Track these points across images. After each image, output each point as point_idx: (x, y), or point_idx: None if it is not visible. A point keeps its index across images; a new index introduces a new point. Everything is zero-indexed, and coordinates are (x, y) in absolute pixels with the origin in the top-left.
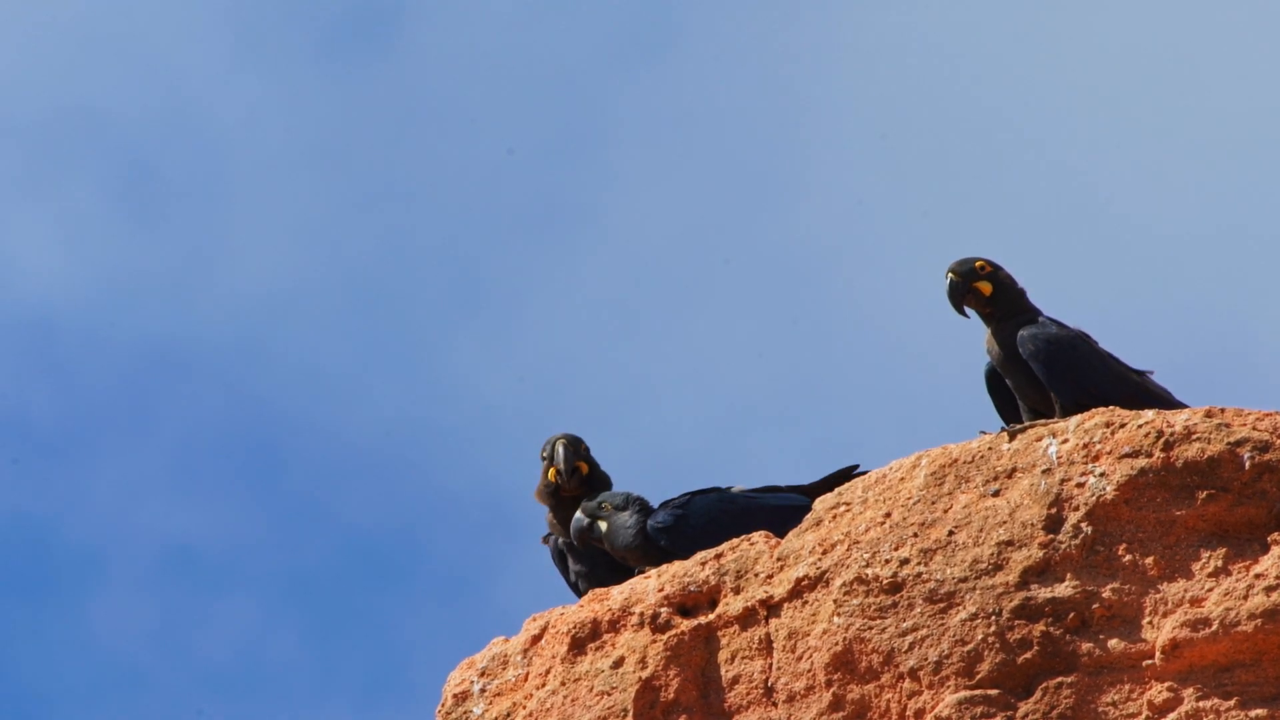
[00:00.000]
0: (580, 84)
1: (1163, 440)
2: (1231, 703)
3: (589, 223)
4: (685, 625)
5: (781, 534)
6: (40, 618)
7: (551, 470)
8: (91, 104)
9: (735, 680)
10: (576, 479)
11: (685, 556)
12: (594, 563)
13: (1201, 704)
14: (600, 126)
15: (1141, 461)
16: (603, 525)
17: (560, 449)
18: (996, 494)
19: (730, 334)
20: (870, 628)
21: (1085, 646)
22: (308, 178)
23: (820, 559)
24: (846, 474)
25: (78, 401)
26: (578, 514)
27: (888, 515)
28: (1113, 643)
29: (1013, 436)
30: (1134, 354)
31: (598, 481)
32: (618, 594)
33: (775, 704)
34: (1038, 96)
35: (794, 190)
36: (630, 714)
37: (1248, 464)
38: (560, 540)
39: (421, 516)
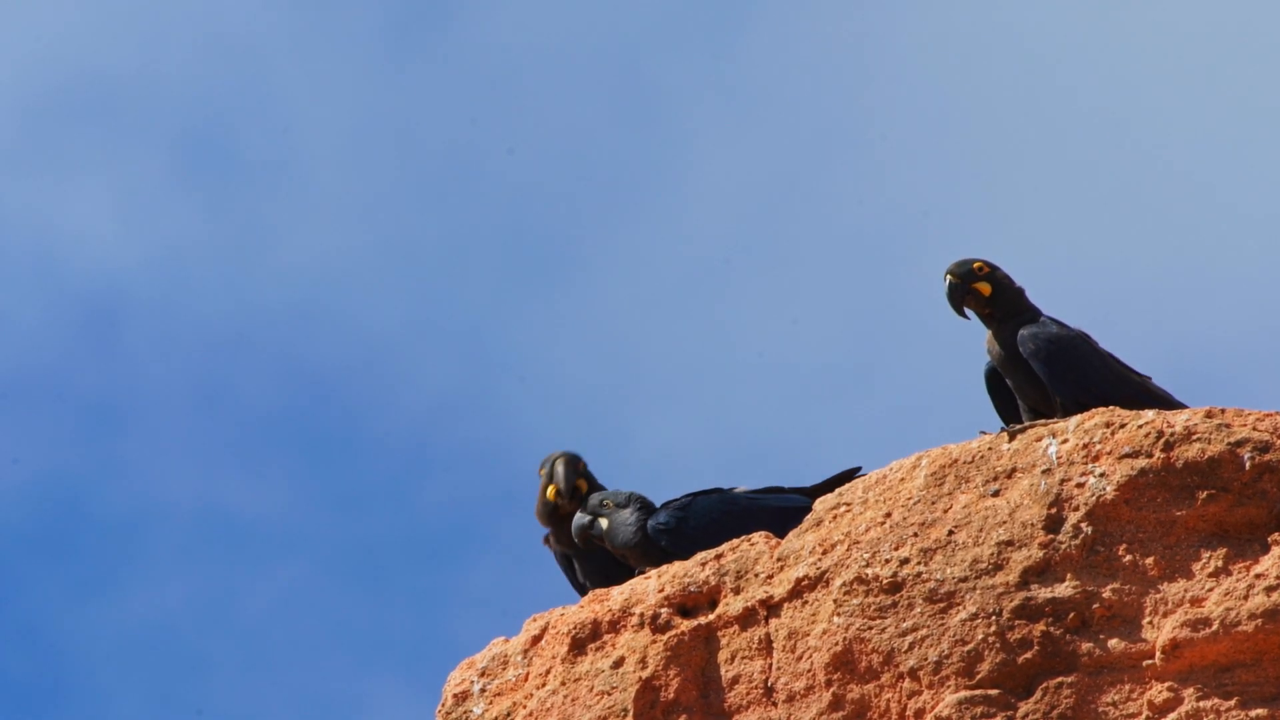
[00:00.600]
0: (642, 58)
1: (1163, 440)
2: (1232, 703)
3: (652, 197)
4: (685, 625)
5: (783, 535)
6: (83, 586)
7: (551, 488)
8: (150, 76)
9: (735, 680)
10: (575, 497)
11: (686, 557)
12: (599, 566)
13: (1202, 704)
14: (663, 101)
15: (1142, 462)
16: (603, 523)
17: (560, 467)
18: (996, 494)
19: (784, 315)
20: (870, 628)
21: (1085, 646)
22: (370, 151)
23: (820, 559)
24: (849, 476)
25: (133, 372)
26: (579, 512)
27: (888, 515)
28: (1113, 643)
29: (1013, 436)
30: (1135, 355)
31: None
32: (618, 594)
33: (775, 704)
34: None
35: (845, 179)
36: (630, 714)
37: (1248, 464)
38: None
39: (482, 490)
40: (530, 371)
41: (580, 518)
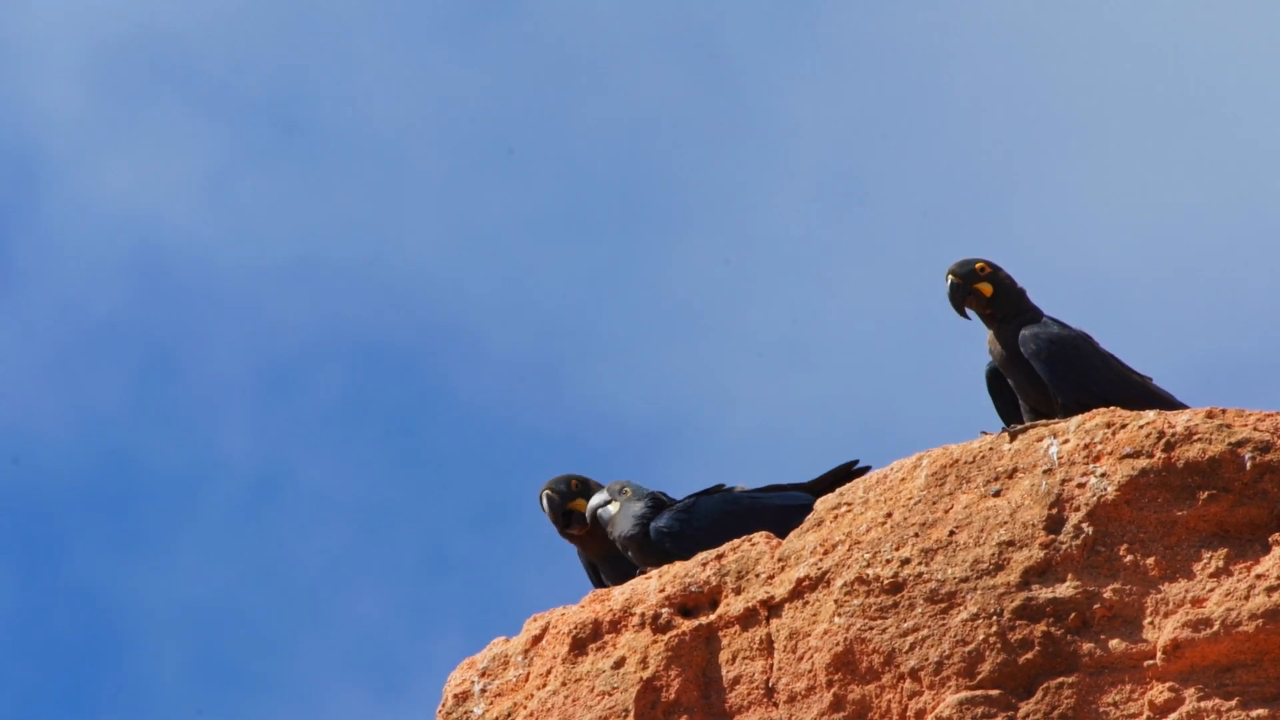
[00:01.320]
0: (727, 31)
1: (1164, 441)
2: (1233, 703)
3: (741, 172)
4: (686, 625)
5: (785, 533)
6: (135, 543)
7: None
8: (222, 39)
9: (736, 680)
10: (579, 523)
11: (689, 558)
12: (622, 574)
13: (1203, 704)
14: (749, 76)
15: (1143, 462)
16: (613, 507)
17: (546, 502)
18: (997, 494)
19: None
20: (871, 628)
21: (1086, 647)
22: (452, 123)
23: (821, 559)
24: (846, 469)
25: (198, 330)
26: (599, 494)
27: (889, 515)
28: (1114, 643)
29: (1014, 437)
30: (1137, 355)
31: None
32: (619, 594)
33: (776, 704)
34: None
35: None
36: (631, 714)
37: (1249, 464)
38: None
39: (557, 460)
40: (617, 346)
41: (598, 497)
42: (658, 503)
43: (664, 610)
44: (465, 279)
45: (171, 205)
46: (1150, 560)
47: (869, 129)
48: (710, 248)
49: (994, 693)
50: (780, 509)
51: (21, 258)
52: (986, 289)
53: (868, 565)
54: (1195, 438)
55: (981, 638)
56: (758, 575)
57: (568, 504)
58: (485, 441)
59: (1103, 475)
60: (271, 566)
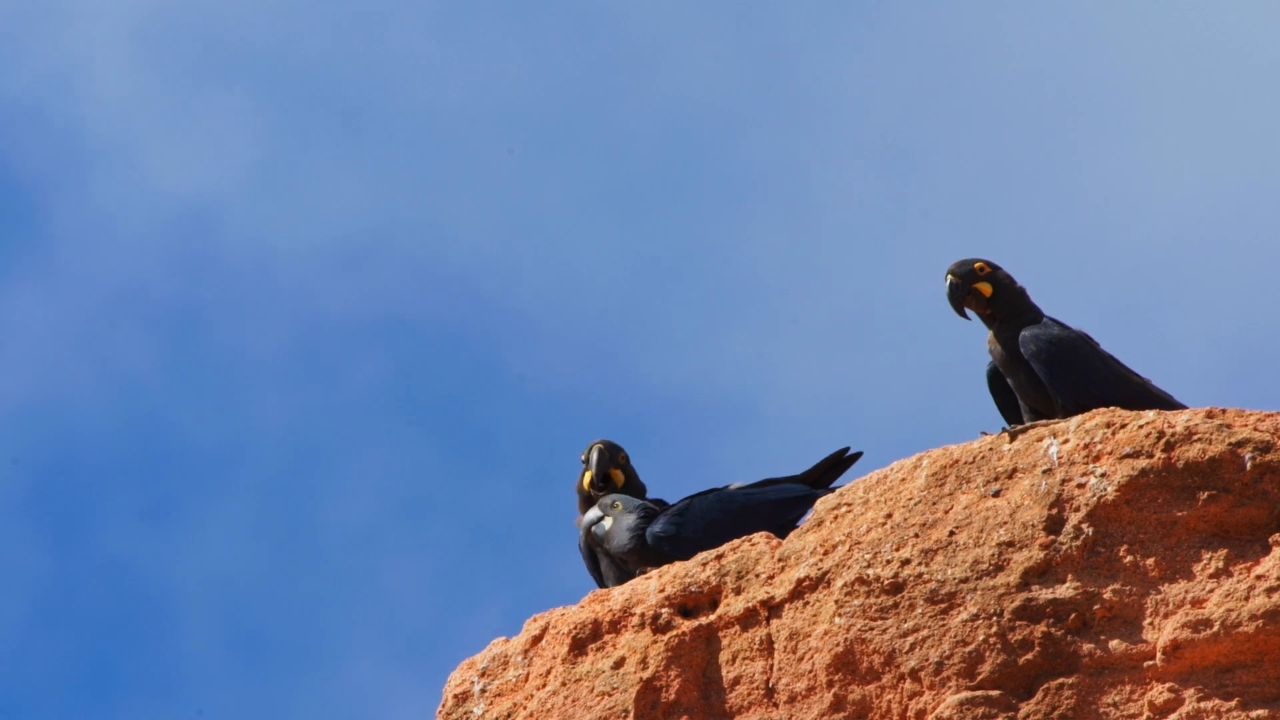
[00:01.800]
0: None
1: (1164, 441)
2: (1233, 703)
3: (802, 152)
4: (686, 626)
5: (782, 526)
6: (163, 514)
7: (587, 475)
8: (282, 34)
9: (736, 681)
10: (610, 487)
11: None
12: (622, 568)
13: (1203, 705)
14: (802, 55)
15: (1142, 462)
16: (607, 523)
17: (596, 453)
18: (997, 494)
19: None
20: (871, 628)
21: (1086, 647)
22: (505, 106)
23: (821, 560)
24: (838, 457)
25: (234, 301)
26: (592, 509)
27: (889, 516)
28: (1114, 643)
29: (1014, 437)
30: (1137, 354)
31: (632, 493)
32: (618, 594)
33: (776, 705)
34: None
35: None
36: (631, 714)
37: (1249, 465)
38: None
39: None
40: (671, 325)
41: (590, 514)
42: (649, 512)
43: (664, 610)
44: (519, 259)
45: (220, 185)
46: (1150, 561)
47: (926, 104)
48: (765, 226)
49: (994, 693)
50: (776, 503)
51: (67, 234)
52: (986, 289)
53: (868, 566)
54: (1195, 438)
55: (981, 638)
56: (758, 575)
57: (611, 468)
58: (536, 420)
59: (1103, 475)
60: (307, 541)
